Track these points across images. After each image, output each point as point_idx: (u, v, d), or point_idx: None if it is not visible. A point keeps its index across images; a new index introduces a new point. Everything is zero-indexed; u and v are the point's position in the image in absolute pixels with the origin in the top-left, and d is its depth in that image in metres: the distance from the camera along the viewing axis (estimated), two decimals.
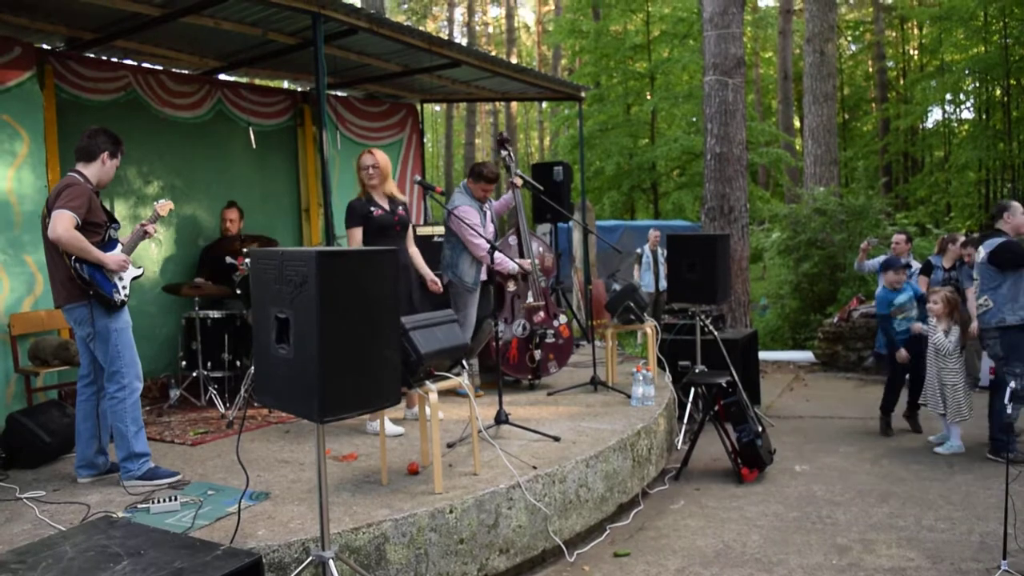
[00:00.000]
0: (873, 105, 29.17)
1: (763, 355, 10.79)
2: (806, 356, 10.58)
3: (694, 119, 20.79)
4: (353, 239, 5.37)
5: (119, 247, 4.47)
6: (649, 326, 6.54)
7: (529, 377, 6.57)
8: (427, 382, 4.09)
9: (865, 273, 9.73)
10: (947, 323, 6.15)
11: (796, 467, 5.94)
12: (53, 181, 5.95)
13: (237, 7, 5.80)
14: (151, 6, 5.70)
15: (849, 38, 31.15)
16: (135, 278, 4.56)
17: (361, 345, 3.00)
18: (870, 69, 30.06)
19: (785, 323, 12.15)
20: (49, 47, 6.33)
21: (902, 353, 6.60)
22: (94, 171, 4.42)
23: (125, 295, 4.43)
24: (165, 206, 4.84)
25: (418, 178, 5.74)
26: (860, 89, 30.79)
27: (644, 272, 12.89)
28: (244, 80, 8.10)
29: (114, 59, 6.81)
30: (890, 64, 28.72)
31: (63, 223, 4.14)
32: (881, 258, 9.25)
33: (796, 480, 5.64)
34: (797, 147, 23.43)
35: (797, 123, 26.42)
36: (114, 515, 3.78)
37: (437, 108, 36.34)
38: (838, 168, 14.46)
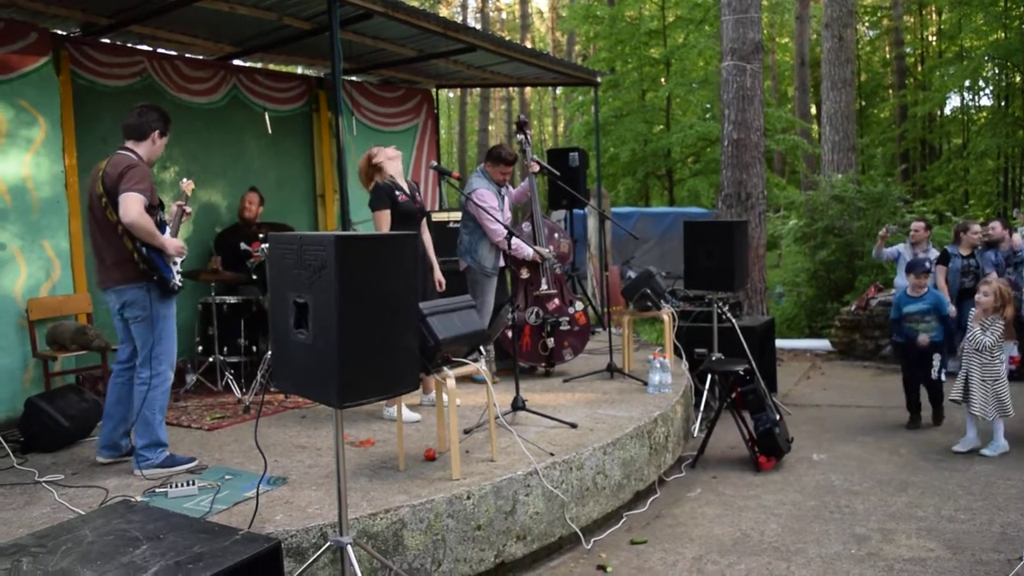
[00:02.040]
0: (890, 92, 28.86)
1: (779, 343, 10.73)
2: (823, 344, 10.51)
3: (708, 105, 20.66)
4: (381, 221, 5.33)
5: (167, 230, 4.45)
6: (666, 313, 6.50)
7: (543, 365, 6.54)
8: (445, 368, 4.07)
9: (883, 261, 9.64)
10: (990, 317, 5.70)
11: (814, 456, 5.90)
12: (70, 167, 5.96)
13: None
14: None
15: (867, 24, 30.80)
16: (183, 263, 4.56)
17: (380, 330, 2.98)
18: (888, 55, 29.73)
19: (802, 311, 12.08)
20: (65, 33, 6.32)
21: (923, 338, 6.34)
22: (145, 149, 4.38)
23: (180, 281, 4.43)
24: (188, 185, 4.86)
25: (434, 163, 5.72)
26: (877, 75, 30.44)
27: None
28: (259, 66, 8.08)
29: (130, 44, 6.80)
30: (908, 50, 28.36)
31: (136, 207, 4.10)
32: (900, 246, 9.18)
33: (814, 469, 5.60)
34: (814, 134, 23.25)
35: (814, 109, 26.21)
36: (133, 499, 3.79)
37: (451, 95, 36.24)
38: (856, 155, 14.32)
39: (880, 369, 9.16)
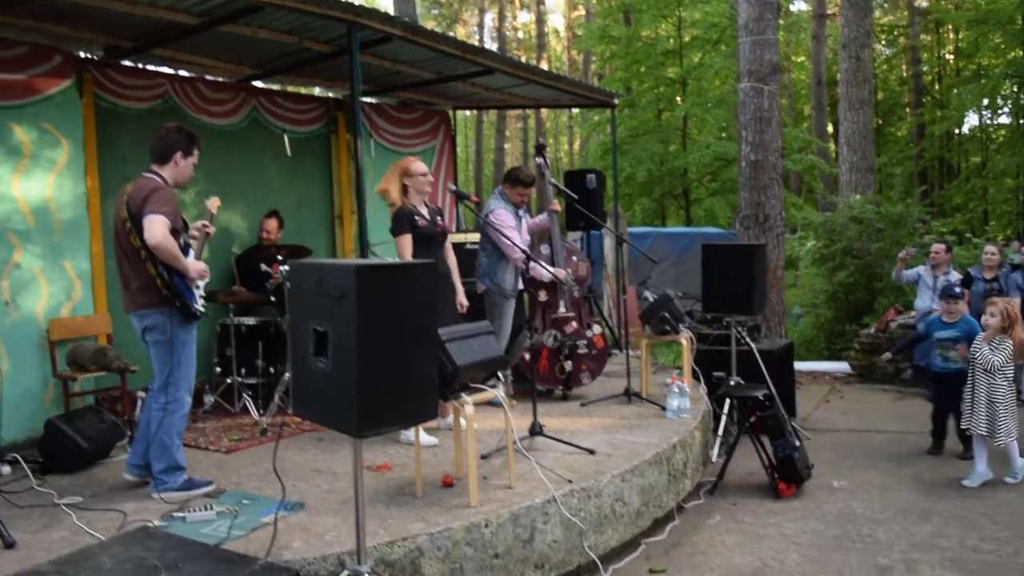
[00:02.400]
0: (908, 110, 28.78)
1: (798, 365, 10.63)
2: (842, 367, 10.42)
3: (724, 124, 20.64)
4: (403, 246, 5.34)
5: (191, 253, 4.46)
6: (684, 337, 6.46)
7: (560, 388, 6.52)
8: (463, 394, 4.06)
9: (903, 283, 9.57)
10: (998, 338, 5.60)
11: (834, 482, 5.83)
12: (91, 188, 6.01)
13: (274, 16, 5.82)
14: (190, 15, 5.75)
15: (883, 42, 30.78)
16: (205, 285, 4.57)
17: (399, 359, 2.97)
18: (904, 73, 29.68)
19: (820, 333, 11.99)
20: (88, 56, 6.39)
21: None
22: (169, 172, 4.38)
23: (202, 305, 4.44)
24: (214, 203, 4.85)
25: (453, 187, 5.74)
26: (894, 94, 30.40)
27: None
28: (278, 87, 8.14)
29: (151, 67, 6.86)
30: (925, 68, 28.32)
31: (160, 229, 4.10)
32: (921, 268, 9.11)
33: (835, 496, 5.54)
34: (831, 152, 23.20)
35: (830, 128, 26.15)
36: (151, 524, 3.79)
37: (467, 113, 36.42)
38: (874, 175, 14.26)
39: (900, 393, 9.06)
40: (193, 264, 4.35)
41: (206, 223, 4.68)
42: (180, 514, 3.96)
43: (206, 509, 3.98)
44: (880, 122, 30.25)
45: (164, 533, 3.41)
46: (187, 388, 4.41)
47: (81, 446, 4.94)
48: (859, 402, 8.75)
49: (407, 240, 5.35)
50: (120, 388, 5.81)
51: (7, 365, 5.42)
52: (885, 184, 27.89)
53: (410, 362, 3.03)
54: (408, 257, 5.39)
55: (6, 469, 4.89)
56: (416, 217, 5.41)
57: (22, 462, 4.86)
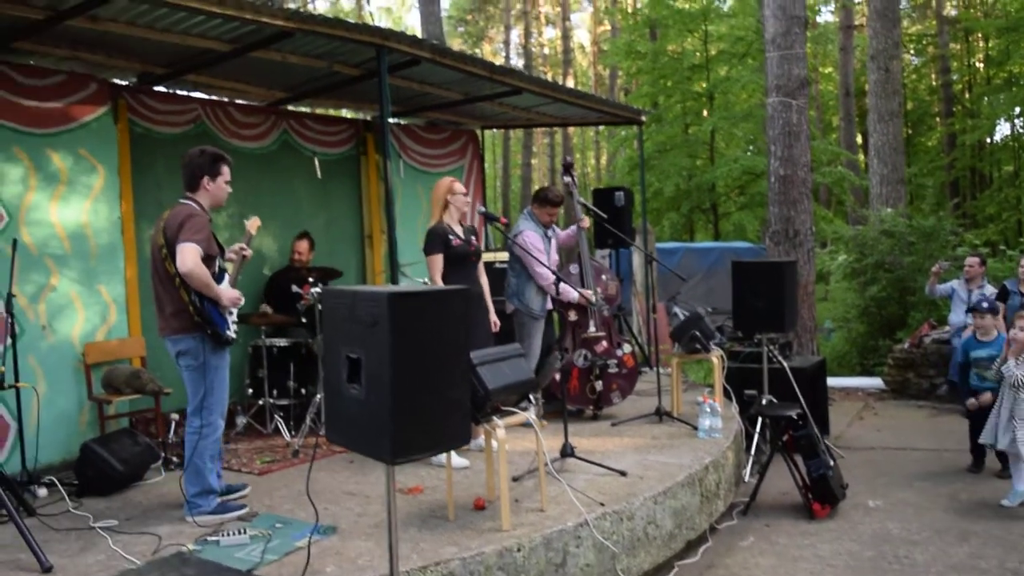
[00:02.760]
0: (938, 120, 28.47)
1: (830, 381, 10.50)
2: (875, 383, 10.29)
3: (752, 137, 20.53)
4: (434, 266, 5.40)
5: (227, 279, 4.51)
6: (715, 356, 6.42)
7: (591, 408, 6.50)
8: (494, 418, 4.06)
9: (937, 298, 9.44)
10: None
11: (869, 502, 5.75)
12: (126, 213, 6.10)
13: (304, 41, 5.91)
14: (221, 42, 5.84)
15: (912, 52, 30.51)
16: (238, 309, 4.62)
17: (432, 386, 2.97)
18: (934, 83, 29.37)
19: (852, 348, 11.85)
20: (123, 82, 6.50)
21: (971, 402, 6.16)
22: (202, 196, 4.43)
23: (234, 332, 4.48)
24: (254, 223, 4.88)
25: (482, 209, 5.79)
26: (924, 103, 30.07)
27: None
28: (308, 110, 8.23)
29: (184, 92, 6.97)
30: (955, 77, 27.99)
31: (193, 257, 4.15)
32: (954, 282, 8.99)
33: (870, 516, 5.46)
34: (860, 164, 22.98)
35: (859, 139, 25.92)
36: (186, 549, 3.82)
37: (495, 130, 36.57)
38: (905, 187, 14.10)
39: (936, 409, 8.93)
40: (226, 292, 4.39)
41: (243, 246, 4.73)
42: (214, 538, 3.99)
43: (240, 533, 4.00)
44: (910, 132, 29.94)
45: (198, 559, 3.43)
46: (220, 412, 4.45)
47: (116, 469, 4.99)
48: (893, 419, 8.63)
49: (439, 260, 5.41)
50: (154, 410, 5.87)
51: (44, 388, 5.50)
52: (916, 195, 27.59)
53: (443, 389, 3.03)
54: (438, 276, 5.44)
55: (42, 491, 4.96)
56: (450, 236, 5.48)
57: (58, 484, 4.93)
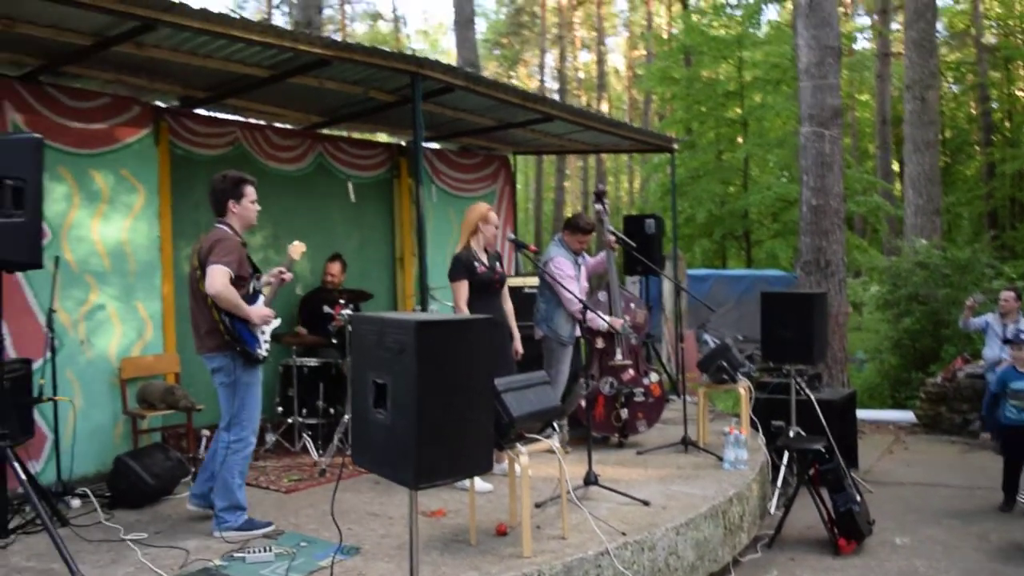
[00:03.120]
0: (977, 148, 28.16)
1: (861, 414, 10.39)
2: (907, 416, 10.16)
3: (786, 164, 20.44)
4: (459, 293, 5.48)
5: (261, 299, 4.62)
6: (743, 387, 6.41)
7: (616, 435, 6.51)
8: (518, 444, 4.10)
9: (971, 331, 9.34)
10: None
11: (896, 539, 5.70)
12: (165, 232, 6.25)
13: (340, 68, 6.04)
14: (261, 68, 5.99)
15: (951, 80, 30.27)
16: (274, 330, 4.72)
17: (456, 413, 3.03)
18: (973, 111, 29.09)
19: (885, 380, 11.72)
20: (165, 105, 6.68)
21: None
22: (232, 220, 4.56)
23: (266, 350, 4.58)
24: (298, 248, 4.94)
25: (512, 236, 5.86)
26: (963, 132, 29.78)
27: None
28: (343, 134, 8.38)
29: (223, 115, 7.14)
30: (994, 106, 27.69)
31: (221, 278, 4.29)
32: (989, 316, 8.88)
33: (896, 553, 5.41)
34: (896, 192, 22.76)
35: (896, 167, 25.69)
36: (212, 564, 3.89)
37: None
38: (940, 218, 13.97)
39: (968, 445, 8.80)
40: (257, 310, 4.51)
41: (283, 269, 4.84)
42: (240, 554, 4.06)
43: (265, 551, 4.07)
44: (948, 161, 29.67)
45: (224, 574, 3.50)
46: (252, 429, 4.55)
47: (148, 482, 5.10)
48: (924, 454, 8.52)
49: (463, 287, 5.48)
50: (186, 426, 5.99)
51: (80, 401, 5.64)
52: (953, 224, 27.27)
53: (467, 416, 3.09)
54: (463, 303, 5.51)
55: (76, 502, 5.09)
56: (475, 263, 5.54)
57: (91, 496, 5.05)
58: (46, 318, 5.30)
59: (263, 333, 4.57)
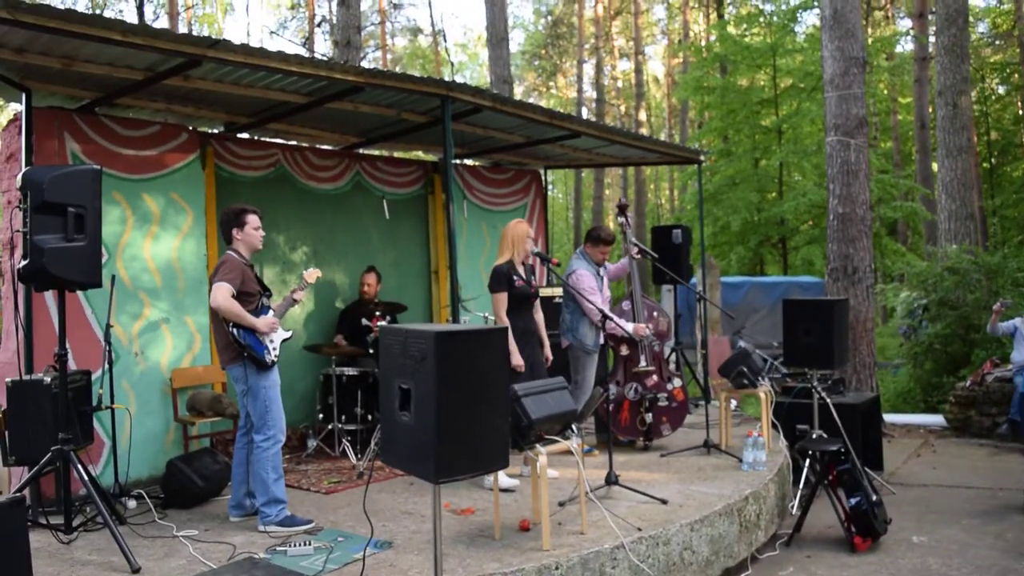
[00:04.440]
0: (1022, 150, 27.77)
1: (892, 418, 10.51)
2: (937, 420, 10.22)
3: (822, 171, 20.40)
4: (499, 304, 5.87)
5: (270, 313, 5.04)
6: (763, 391, 6.62)
7: (641, 439, 6.75)
8: (537, 445, 4.39)
9: (999, 335, 9.40)
10: None
11: (914, 538, 5.85)
12: (212, 251, 6.66)
13: (374, 94, 6.39)
14: (299, 95, 6.37)
15: (996, 81, 29.88)
16: (285, 340, 5.12)
17: (473, 415, 3.34)
18: (1020, 112, 28.69)
19: (916, 384, 11.75)
20: (211, 131, 7.11)
21: None
22: (238, 246, 5.07)
23: (275, 355, 4.99)
24: (313, 274, 5.41)
25: (536, 250, 6.14)
26: (1009, 133, 29.37)
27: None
28: (379, 153, 8.75)
29: (265, 139, 7.56)
30: None
31: (222, 293, 4.78)
32: (1018, 320, 8.96)
33: (912, 551, 5.57)
34: (932, 197, 22.55)
35: (936, 169, 25.43)
36: (256, 556, 4.23)
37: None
38: (975, 223, 13.90)
39: (997, 448, 8.86)
40: (261, 321, 4.94)
41: (296, 290, 5.28)
42: (282, 548, 4.40)
43: (305, 544, 4.41)
44: (993, 163, 29.27)
45: (267, 563, 3.83)
46: (279, 427, 4.97)
47: (198, 484, 5.48)
48: (952, 457, 8.61)
49: (503, 298, 5.85)
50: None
51: (135, 409, 6.05)
52: (1001, 227, 26.89)
53: (483, 417, 3.40)
54: (503, 313, 5.85)
55: (132, 503, 5.49)
56: (514, 277, 5.89)
57: (146, 497, 5.45)
58: (104, 332, 5.72)
59: (272, 341, 4.99)
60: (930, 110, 23.33)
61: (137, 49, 4.77)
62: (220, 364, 5.09)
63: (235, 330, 4.83)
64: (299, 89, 6.25)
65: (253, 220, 5.10)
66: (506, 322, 5.80)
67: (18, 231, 4.53)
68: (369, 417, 6.99)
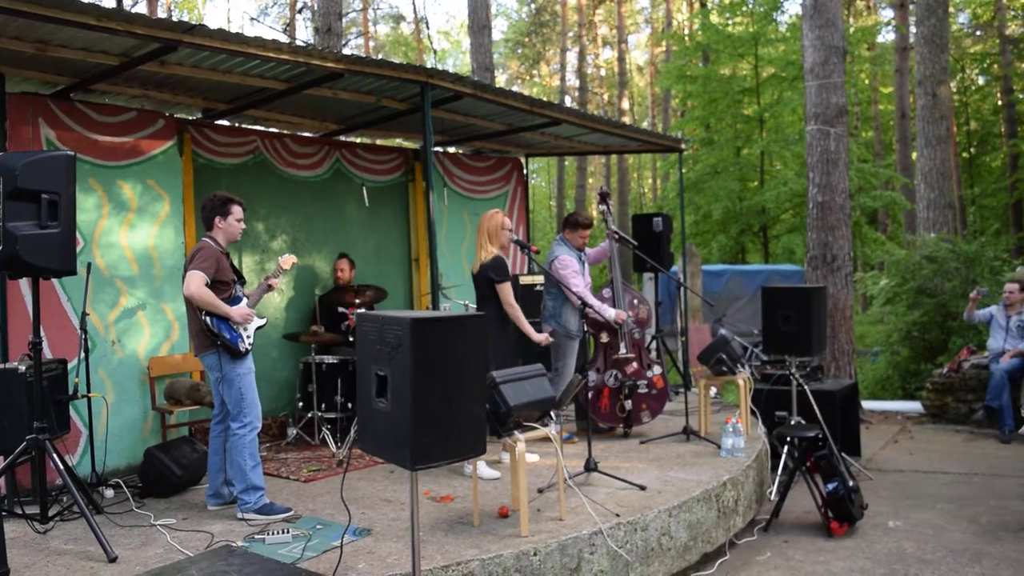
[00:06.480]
0: (1002, 140, 27.98)
1: (870, 404, 10.62)
2: (915, 407, 10.33)
3: (803, 160, 20.49)
4: (508, 291, 5.85)
5: (244, 301, 5.02)
6: (741, 378, 6.65)
7: (621, 426, 6.78)
8: (516, 432, 4.39)
9: (976, 323, 9.49)
10: None
11: (889, 522, 5.92)
12: (189, 238, 6.61)
13: (353, 80, 6.35)
14: (278, 81, 6.32)
15: (976, 71, 30.07)
16: (259, 328, 5.10)
17: (450, 402, 3.32)
18: (999, 102, 28.89)
19: (895, 372, 11.86)
20: (188, 117, 7.04)
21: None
22: (217, 235, 5.03)
23: (249, 344, 4.97)
24: (288, 260, 5.38)
25: (515, 237, 6.13)
26: (988, 123, 29.60)
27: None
28: (359, 140, 8.71)
29: (244, 125, 7.50)
30: (1021, 96, 27.47)
31: (195, 281, 4.75)
32: (993, 308, 9.05)
33: (888, 536, 5.63)
34: (911, 187, 22.70)
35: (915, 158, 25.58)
36: (234, 544, 4.22)
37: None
38: (954, 212, 14.03)
39: (972, 434, 8.96)
40: (236, 310, 4.92)
41: (270, 276, 5.25)
42: (260, 536, 4.39)
43: (283, 532, 4.39)
44: (973, 152, 29.49)
45: (244, 551, 3.81)
46: (255, 414, 4.95)
47: (176, 473, 5.45)
48: (928, 443, 8.69)
49: (509, 286, 5.87)
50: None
51: (112, 398, 6.00)
52: (979, 216, 27.11)
53: (460, 404, 3.38)
54: (513, 300, 5.86)
55: (109, 492, 5.45)
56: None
57: (123, 486, 5.42)
58: (79, 321, 5.66)
59: (245, 330, 4.97)
60: (910, 100, 23.49)
61: (112, 34, 4.72)
62: (193, 352, 5.07)
63: (208, 319, 4.81)
64: (278, 75, 6.21)
65: (237, 211, 5.07)
66: (518, 309, 5.85)
67: None
68: (349, 405, 6.98)
